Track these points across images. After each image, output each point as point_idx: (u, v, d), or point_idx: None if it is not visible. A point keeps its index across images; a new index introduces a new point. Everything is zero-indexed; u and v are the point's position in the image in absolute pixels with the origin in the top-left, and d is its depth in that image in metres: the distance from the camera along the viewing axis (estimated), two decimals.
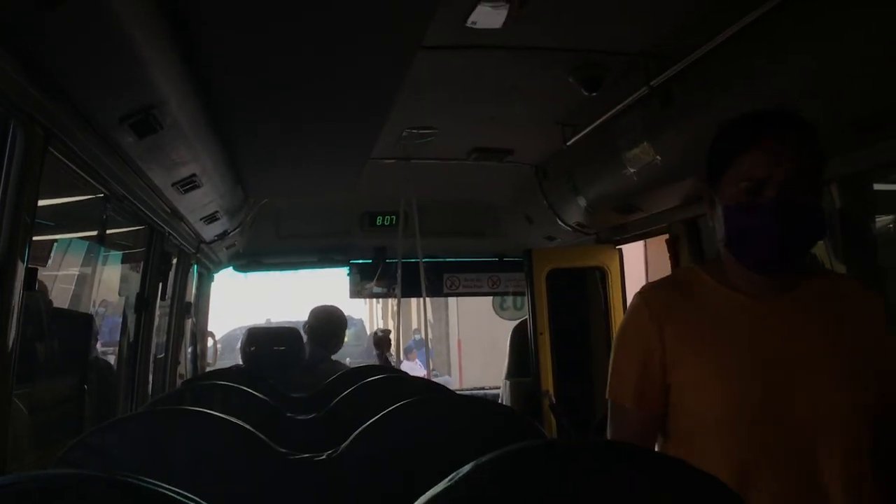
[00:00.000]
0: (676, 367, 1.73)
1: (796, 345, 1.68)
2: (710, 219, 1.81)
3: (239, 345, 4.98)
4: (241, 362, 4.78)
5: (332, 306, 5.01)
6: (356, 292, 6.12)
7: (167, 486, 1.17)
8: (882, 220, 3.49)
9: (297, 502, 2.06)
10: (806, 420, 1.63)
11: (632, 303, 1.85)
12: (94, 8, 1.67)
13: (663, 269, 4.38)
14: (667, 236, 4.11)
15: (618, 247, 5.06)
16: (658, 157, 3.27)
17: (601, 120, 3.54)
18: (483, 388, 7.01)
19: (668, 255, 4.16)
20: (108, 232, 3.49)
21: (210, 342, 6.04)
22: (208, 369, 5.74)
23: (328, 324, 4.88)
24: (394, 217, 5.58)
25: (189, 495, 1.17)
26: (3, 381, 2.00)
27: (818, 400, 1.63)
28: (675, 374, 1.73)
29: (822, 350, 1.67)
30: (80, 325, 3.50)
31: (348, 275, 6.06)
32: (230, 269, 6.15)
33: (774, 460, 1.63)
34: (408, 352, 15.06)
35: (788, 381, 1.64)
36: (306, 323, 4.91)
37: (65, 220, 3.44)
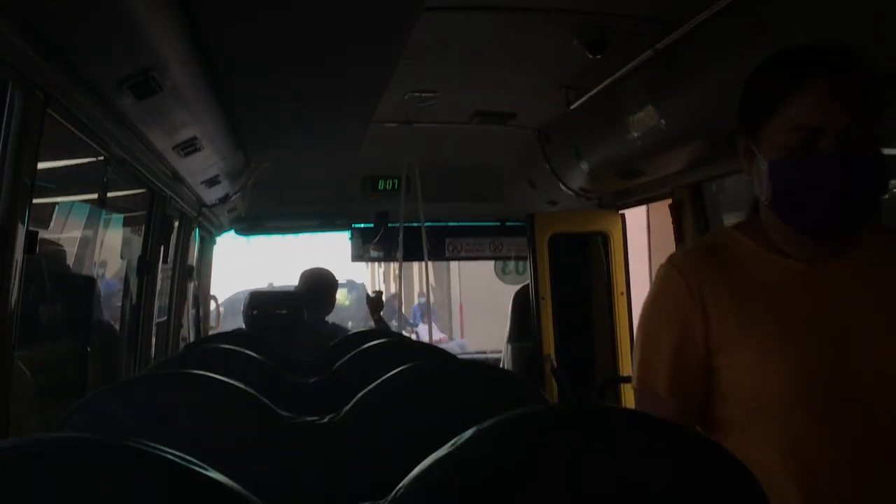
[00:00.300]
0: (722, 346, 1.51)
1: (858, 315, 1.48)
2: (746, 174, 1.56)
3: (242, 308, 5.00)
4: (243, 326, 4.80)
5: (321, 268, 5.02)
6: (358, 256, 6.13)
7: (171, 451, 1.17)
8: None
9: (299, 465, 2.07)
10: (874, 397, 1.43)
11: (660, 273, 1.60)
12: None
13: (666, 234, 4.37)
14: (670, 201, 4.09)
15: (620, 212, 5.05)
16: (663, 120, 3.25)
17: (605, 83, 3.50)
18: (485, 353, 7.04)
19: (667, 220, 4.14)
20: (110, 195, 3.48)
21: (213, 305, 6.07)
22: (211, 332, 5.77)
23: (319, 287, 4.90)
24: (396, 181, 5.56)
25: (193, 460, 1.17)
26: (4, 343, 2.01)
27: (887, 374, 1.44)
28: (721, 355, 1.52)
29: (887, 320, 1.47)
30: (82, 287, 3.51)
31: (350, 239, 6.06)
32: (232, 232, 6.15)
33: (843, 444, 1.43)
34: (414, 317, 15.09)
35: (852, 356, 1.45)
36: (297, 287, 4.92)
37: (66, 182, 3.43)
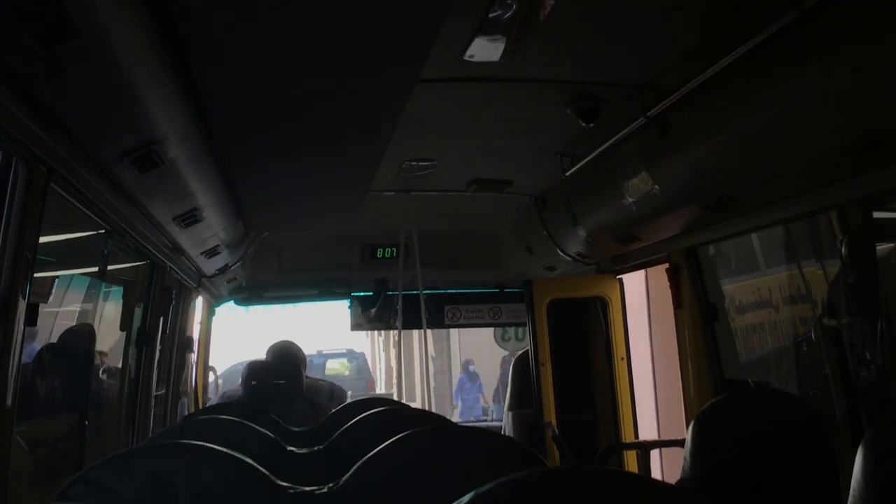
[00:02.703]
0: None
1: None
2: None
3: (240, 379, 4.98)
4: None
5: (288, 342, 4.94)
6: (357, 325, 6.12)
7: None
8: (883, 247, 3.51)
9: None
10: None
11: None
12: (96, 46, 1.69)
13: (665, 298, 4.38)
14: (667, 265, 4.11)
15: (618, 276, 5.07)
16: (656, 186, 3.29)
17: (599, 150, 3.56)
18: (486, 420, 6.97)
19: (665, 284, 4.16)
20: (110, 267, 3.49)
21: (211, 377, 6.03)
22: (209, 404, 5.73)
23: (283, 362, 4.80)
24: (394, 249, 5.60)
25: None
26: (4, 414, 2.00)
27: None
28: None
29: None
30: (80, 360, 3.50)
31: (349, 308, 6.06)
32: (231, 302, 6.16)
33: None
34: (461, 387, 14.81)
35: None
36: (264, 360, 4.83)
37: (66, 255, 3.45)
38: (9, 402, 2.02)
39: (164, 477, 2.13)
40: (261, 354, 5.03)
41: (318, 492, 2.10)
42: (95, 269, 3.63)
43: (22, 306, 2.04)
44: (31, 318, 2.09)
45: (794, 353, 5.93)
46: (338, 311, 6.59)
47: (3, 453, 2.01)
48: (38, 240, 2.10)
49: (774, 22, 2.18)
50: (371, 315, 5.88)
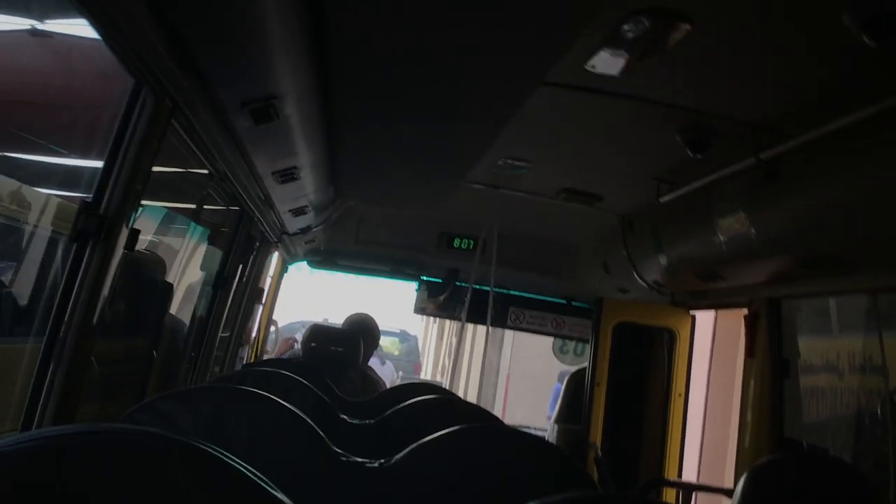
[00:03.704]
0: None
1: None
2: None
3: (299, 338, 5.07)
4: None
5: (366, 315, 5.06)
6: (421, 309, 6.17)
7: (241, 462, 1.20)
8: None
9: (344, 502, 2.08)
10: None
11: None
12: None
13: (731, 341, 4.30)
14: (745, 311, 4.03)
15: (692, 312, 4.99)
16: (753, 229, 3.22)
17: (700, 182, 3.50)
18: (529, 427, 6.95)
19: (735, 328, 4.08)
20: (203, 208, 3.60)
21: (272, 330, 6.16)
22: (265, 357, 5.85)
23: (347, 331, 4.93)
24: (471, 242, 5.61)
25: (260, 475, 1.20)
26: (87, 333, 2.08)
27: None
28: None
29: None
30: (160, 292, 3.62)
31: (417, 290, 6.11)
32: (303, 263, 6.27)
33: None
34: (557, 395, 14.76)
35: None
36: (327, 325, 4.96)
37: (163, 189, 3.56)
38: (94, 320, 2.10)
39: (223, 418, 2.19)
40: (319, 317, 5.14)
41: (370, 465, 2.13)
42: (190, 206, 3.75)
43: (124, 233, 2.12)
44: (131, 244, 2.17)
45: (856, 423, 5.76)
46: (399, 291, 6.65)
47: (82, 367, 2.10)
48: (150, 171, 2.18)
49: None
50: (438, 302, 5.92)
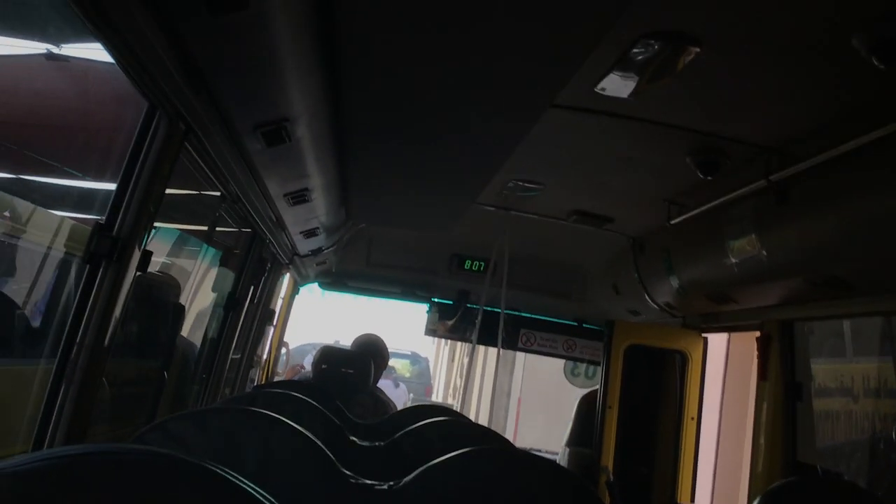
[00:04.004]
0: None
1: None
2: None
3: (310, 360, 5.07)
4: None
5: (375, 336, 5.07)
6: (431, 331, 6.16)
7: (250, 484, 1.20)
8: None
9: None
10: None
11: None
12: (261, 21, 1.76)
13: (744, 364, 4.28)
14: (757, 333, 4.01)
15: (704, 335, 4.96)
16: (764, 251, 3.22)
17: (710, 205, 3.50)
18: (539, 451, 6.91)
19: (748, 351, 4.05)
20: (216, 230, 3.62)
21: (283, 352, 6.17)
22: (276, 378, 5.86)
23: (357, 353, 4.94)
24: (482, 263, 5.61)
25: (269, 497, 1.20)
26: (100, 354, 2.09)
27: None
28: None
29: None
30: (172, 314, 3.63)
31: (428, 312, 6.11)
32: (314, 284, 6.28)
33: None
34: None
35: None
36: (337, 347, 4.96)
37: (176, 211, 3.59)
38: (107, 341, 2.12)
39: (234, 440, 2.20)
40: (330, 339, 5.15)
41: (378, 487, 2.13)
42: (198, 227, 3.77)
43: (137, 254, 2.13)
44: (143, 265, 2.18)
45: (870, 447, 5.70)
46: (409, 312, 6.66)
47: (93, 387, 2.10)
48: (163, 193, 2.20)
49: None
50: (448, 324, 5.91)
